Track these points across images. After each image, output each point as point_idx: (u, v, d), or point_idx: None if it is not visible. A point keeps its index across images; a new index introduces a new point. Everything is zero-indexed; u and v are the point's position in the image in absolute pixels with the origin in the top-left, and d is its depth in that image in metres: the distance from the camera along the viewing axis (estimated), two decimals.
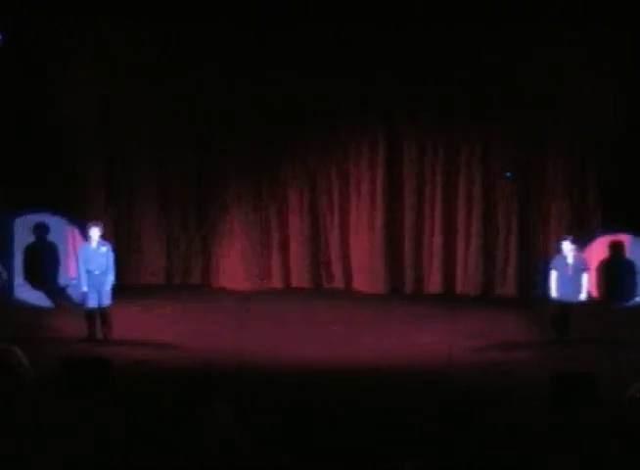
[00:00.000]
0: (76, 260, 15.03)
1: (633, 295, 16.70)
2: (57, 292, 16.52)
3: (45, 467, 8.19)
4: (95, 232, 14.51)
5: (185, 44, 16.92)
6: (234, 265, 17.78)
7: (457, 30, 16.32)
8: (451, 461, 8.85)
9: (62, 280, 16.66)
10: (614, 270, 16.76)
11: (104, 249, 14.55)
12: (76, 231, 16.53)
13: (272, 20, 16.31)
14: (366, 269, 17.58)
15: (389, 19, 16.15)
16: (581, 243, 15.49)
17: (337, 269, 17.75)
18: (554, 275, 14.73)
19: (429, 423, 9.73)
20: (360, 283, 17.68)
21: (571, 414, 10.33)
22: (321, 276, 17.82)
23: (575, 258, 14.79)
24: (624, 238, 16.75)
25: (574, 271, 14.71)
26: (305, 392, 11.31)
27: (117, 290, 14.66)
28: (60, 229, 16.72)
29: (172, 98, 17.10)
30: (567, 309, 14.71)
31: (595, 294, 16.57)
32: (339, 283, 17.77)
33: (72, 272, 16.17)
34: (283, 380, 12.27)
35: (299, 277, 17.82)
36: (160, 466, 8.32)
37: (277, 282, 17.82)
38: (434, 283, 17.46)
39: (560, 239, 15.20)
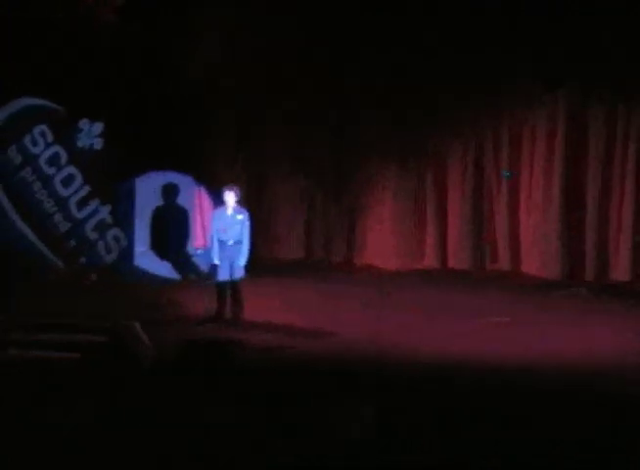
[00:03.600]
0: (208, 228, 14.47)
1: None
2: (184, 262, 16.01)
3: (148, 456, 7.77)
4: (231, 197, 13.36)
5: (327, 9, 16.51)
6: (382, 242, 17.29)
7: None
8: None
9: (190, 249, 16.11)
10: None
11: (240, 217, 13.42)
12: (204, 193, 15.95)
13: None
14: (539, 251, 16.57)
15: None
16: None
17: (503, 249, 16.87)
18: None
19: (588, 432, 8.67)
20: (530, 266, 16.65)
21: None
22: (484, 256, 17.02)
23: None
24: None
25: None
26: (449, 391, 10.17)
27: (251, 264, 13.65)
28: (188, 191, 16.11)
29: (315, 64, 16.82)
30: None
31: None
32: (504, 265, 16.86)
33: (199, 241, 15.77)
34: (423, 376, 11.05)
35: (458, 257, 17.08)
36: (288, 464, 7.85)
37: (431, 262, 17.20)
38: (621, 270, 16.16)
39: None
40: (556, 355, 11.88)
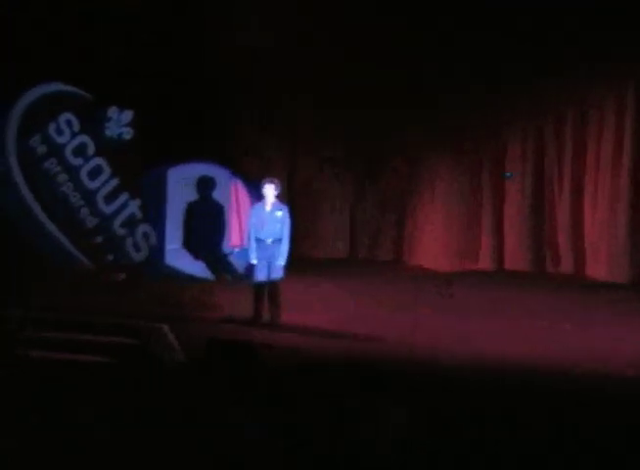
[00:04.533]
0: (244, 225, 14.15)
1: None
2: (218, 261, 15.66)
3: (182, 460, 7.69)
4: (270, 191, 12.86)
5: None
6: (434, 240, 17.14)
7: None
8: None
9: (225, 248, 15.73)
10: None
11: (279, 213, 12.95)
12: (242, 188, 15.56)
13: None
14: (604, 253, 16.09)
15: None
16: None
17: (565, 251, 16.46)
18: None
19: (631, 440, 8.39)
20: (595, 269, 16.20)
21: None
22: (544, 259, 16.61)
23: None
24: None
25: None
26: (487, 394, 10.04)
27: (291, 263, 13.25)
28: (224, 185, 15.63)
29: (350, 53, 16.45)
30: None
31: None
32: (567, 268, 16.45)
33: (235, 239, 15.50)
34: (462, 379, 10.85)
35: (516, 259, 16.73)
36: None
37: (487, 263, 16.91)
38: None
39: None
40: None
